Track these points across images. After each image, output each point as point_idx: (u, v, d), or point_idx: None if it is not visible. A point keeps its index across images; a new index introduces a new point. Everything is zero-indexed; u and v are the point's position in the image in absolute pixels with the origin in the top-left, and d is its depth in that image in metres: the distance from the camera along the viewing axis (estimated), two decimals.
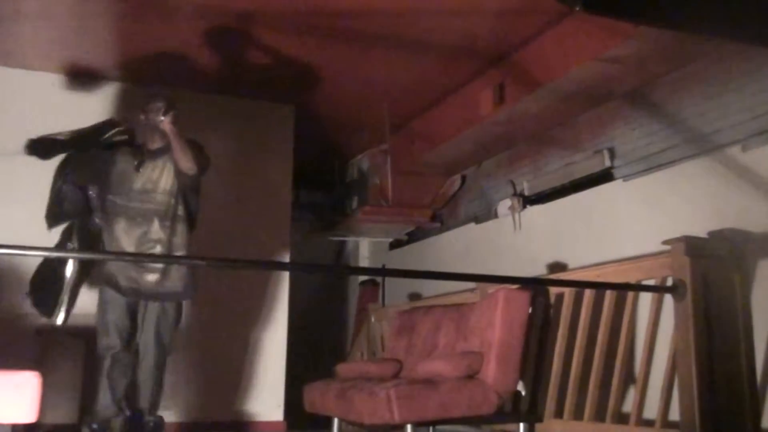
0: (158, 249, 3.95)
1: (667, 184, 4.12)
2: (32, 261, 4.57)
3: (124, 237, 3.94)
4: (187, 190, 4.07)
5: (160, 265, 3.94)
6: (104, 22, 4.47)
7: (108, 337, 3.91)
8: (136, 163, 3.99)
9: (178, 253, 4.01)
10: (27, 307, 4.72)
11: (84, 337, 4.62)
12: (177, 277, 3.98)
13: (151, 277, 3.92)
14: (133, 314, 3.97)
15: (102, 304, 3.98)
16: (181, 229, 4.04)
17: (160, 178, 4.00)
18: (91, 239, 4.05)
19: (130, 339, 3.96)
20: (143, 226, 3.95)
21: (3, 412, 1.97)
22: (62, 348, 4.68)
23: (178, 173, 3.98)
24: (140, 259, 3.96)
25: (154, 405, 4.05)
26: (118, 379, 3.92)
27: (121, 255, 3.95)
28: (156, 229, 3.95)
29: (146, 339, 3.98)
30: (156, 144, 4.04)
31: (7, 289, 4.71)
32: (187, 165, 3.91)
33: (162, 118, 3.88)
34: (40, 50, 4.88)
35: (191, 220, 4.12)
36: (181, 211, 4.04)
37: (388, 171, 6.13)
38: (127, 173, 4.00)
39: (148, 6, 4.25)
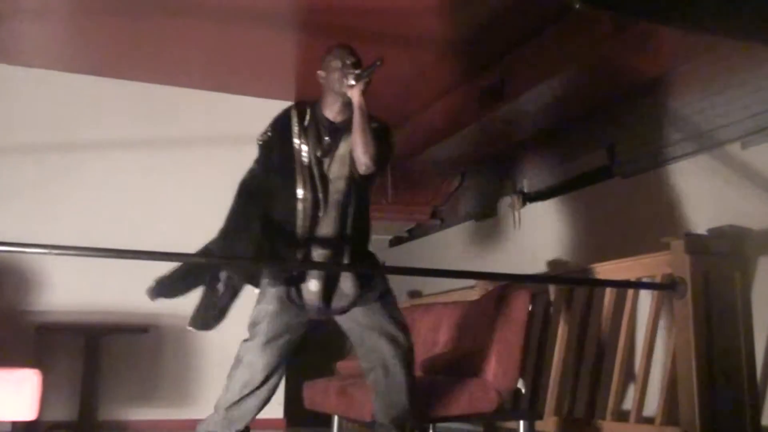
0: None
1: (666, 181, 4.12)
2: (31, 258, 4.57)
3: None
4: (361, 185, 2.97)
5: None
6: (103, 19, 4.45)
7: None
8: (322, 145, 2.90)
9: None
10: (26, 303, 4.73)
11: (84, 333, 4.63)
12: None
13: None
14: None
15: None
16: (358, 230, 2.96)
17: (345, 162, 2.90)
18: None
19: None
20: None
21: (3, 409, 1.97)
22: (62, 345, 4.68)
23: (351, 163, 2.89)
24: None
25: None
26: None
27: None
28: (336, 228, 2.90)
29: None
30: (342, 115, 2.91)
31: (6, 286, 4.71)
32: (364, 159, 2.80)
33: (353, 82, 2.79)
34: (39, 47, 4.86)
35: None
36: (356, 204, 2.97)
37: (387, 168, 6.12)
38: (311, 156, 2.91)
39: (149, 3, 4.24)
